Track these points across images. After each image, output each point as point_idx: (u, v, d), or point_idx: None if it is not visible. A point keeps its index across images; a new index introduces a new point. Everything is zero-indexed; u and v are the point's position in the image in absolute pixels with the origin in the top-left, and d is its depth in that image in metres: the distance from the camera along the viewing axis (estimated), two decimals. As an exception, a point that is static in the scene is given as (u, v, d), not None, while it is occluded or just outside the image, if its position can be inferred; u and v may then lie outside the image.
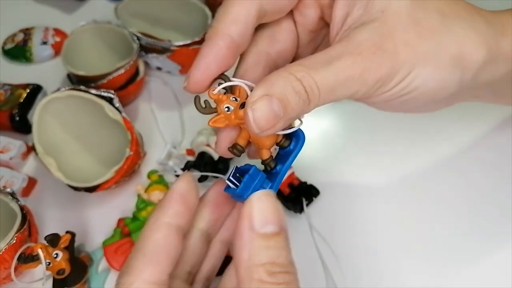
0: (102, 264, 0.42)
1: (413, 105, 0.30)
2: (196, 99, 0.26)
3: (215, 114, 0.26)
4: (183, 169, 0.46)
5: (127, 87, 0.50)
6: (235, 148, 0.27)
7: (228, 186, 0.27)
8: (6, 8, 0.66)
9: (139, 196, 0.45)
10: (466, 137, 0.48)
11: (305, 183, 0.45)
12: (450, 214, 0.44)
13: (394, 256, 0.42)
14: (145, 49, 0.54)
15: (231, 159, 0.48)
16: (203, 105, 0.26)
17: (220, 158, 0.46)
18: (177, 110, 0.53)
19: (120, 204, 0.46)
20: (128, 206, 0.46)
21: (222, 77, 0.26)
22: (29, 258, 0.35)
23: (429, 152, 0.48)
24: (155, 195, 0.44)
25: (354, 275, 0.40)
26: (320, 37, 0.32)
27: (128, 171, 0.43)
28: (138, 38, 0.53)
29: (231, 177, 0.26)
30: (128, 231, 0.43)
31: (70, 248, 0.37)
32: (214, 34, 0.27)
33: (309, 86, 0.24)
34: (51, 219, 0.45)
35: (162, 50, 0.53)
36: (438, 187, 0.46)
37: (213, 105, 0.26)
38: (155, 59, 0.54)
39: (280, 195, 0.44)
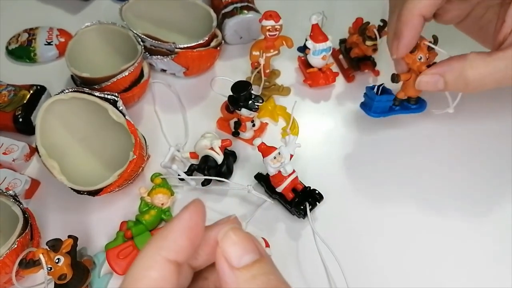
0: (105, 268, 0.42)
1: None
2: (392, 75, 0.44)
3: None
4: (187, 173, 0.45)
5: (131, 89, 0.50)
6: (396, 77, 0.43)
7: (368, 92, 0.46)
8: (10, 7, 0.66)
9: (142, 199, 0.45)
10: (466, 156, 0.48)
11: (309, 187, 0.44)
12: (453, 220, 0.43)
13: (397, 261, 0.41)
14: (150, 51, 0.54)
15: (234, 163, 0.48)
16: (396, 77, 0.44)
17: (224, 161, 0.45)
18: (181, 112, 0.53)
19: (123, 207, 0.46)
20: (131, 209, 0.45)
21: (435, 38, 0.42)
22: (30, 263, 0.35)
23: (432, 160, 0.48)
24: (158, 198, 0.44)
25: (356, 280, 0.40)
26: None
27: (132, 175, 0.43)
28: (143, 40, 0.52)
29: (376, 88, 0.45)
30: (131, 235, 0.42)
31: (72, 253, 0.37)
32: (410, 16, 0.40)
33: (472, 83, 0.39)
34: (54, 222, 0.45)
35: (166, 52, 0.53)
36: (440, 198, 0.45)
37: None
38: (159, 61, 0.54)
39: (283, 200, 0.44)
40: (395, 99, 0.46)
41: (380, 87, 0.44)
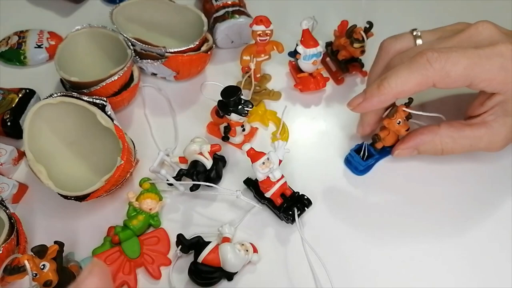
0: (92, 273, 0.42)
1: None
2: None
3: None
4: (176, 178, 0.45)
5: (121, 94, 0.50)
6: (377, 137, 0.46)
7: (352, 156, 0.47)
8: (0, 10, 0.66)
9: (130, 204, 0.44)
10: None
11: (298, 193, 0.44)
12: (445, 224, 0.44)
13: (385, 266, 0.41)
14: (140, 55, 0.54)
15: (223, 168, 0.48)
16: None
17: (213, 166, 0.45)
18: (171, 116, 0.53)
19: (111, 211, 0.46)
20: (119, 214, 0.45)
21: (410, 100, 0.45)
22: (15, 270, 0.34)
23: (424, 164, 0.48)
24: (146, 203, 0.44)
25: (343, 285, 0.40)
26: None
27: (119, 180, 0.42)
28: (133, 44, 0.52)
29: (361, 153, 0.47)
30: (118, 240, 0.42)
31: (58, 259, 0.36)
32: (388, 92, 0.41)
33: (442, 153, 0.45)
34: (41, 227, 0.45)
35: (157, 56, 0.52)
36: (428, 202, 0.46)
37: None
38: (150, 65, 0.54)
39: (272, 205, 0.44)
40: (375, 149, 0.47)
41: (365, 149, 0.47)
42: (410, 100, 0.44)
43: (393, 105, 0.45)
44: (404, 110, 0.44)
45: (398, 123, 0.44)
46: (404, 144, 0.45)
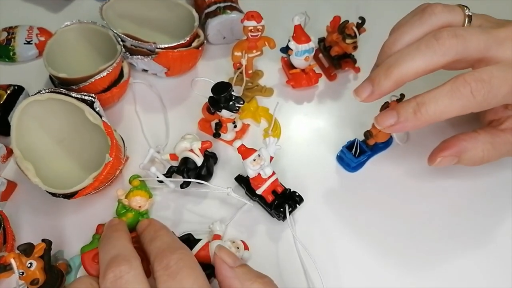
0: (81, 271, 0.41)
1: None
2: (384, 105, 0.44)
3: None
4: (166, 175, 0.45)
5: (110, 90, 0.49)
6: (369, 133, 0.45)
7: (344, 153, 0.46)
8: (-11, 6, 0.65)
9: (119, 201, 0.44)
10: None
11: (289, 190, 0.44)
12: (435, 221, 0.43)
13: (377, 264, 0.41)
14: (130, 51, 0.53)
15: (214, 165, 0.47)
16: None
17: (204, 163, 0.45)
18: (162, 113, 0.52)
19: (100, 209, 0.45)
20: (108, 211, 0.45)
21: (401, 96, 0.43)
22: (1, 268, 0.34)
23: (418, 167, 0.48)
24: (136, 201, 0.43)
25: (334, 282, 0.40)
26: None
27: (108, 177, 0.42)
28: (123, 40, 0.52)
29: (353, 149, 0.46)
30: (108, 238, 0.42)
31: (45, 257, 0.36)
32: (425, 120, 0.38)
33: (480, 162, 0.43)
34: (29, 225, 0.44)
35: (147, 52, 0.52)
36: (424, 197, 0.45)
37: None
38: (140, 61, 0.53)
39: (263, 202, 0.44)
40: (367, 145, 0.47)
41: (357, 145, 0.46)
42: (402, 96, 0.43)
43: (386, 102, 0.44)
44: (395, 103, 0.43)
45: None
46: (446, 151, 0.42)
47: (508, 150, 0.42)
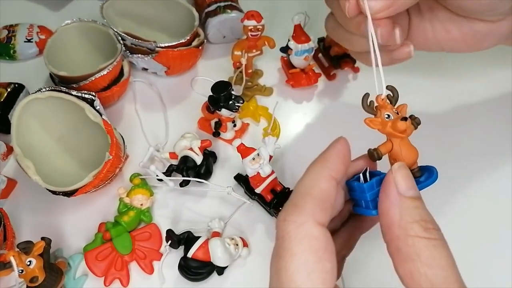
0: (80, 269, 0.42)
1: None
2: (365, 96, 0.29)
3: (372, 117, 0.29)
4: (165, 173, 0.45)
5: (110, 88, 0.49)
6: (375, 152, 0.29)
7: (355, 179, 0.30)
8: (-10, 4, 0.65)
9: (120, 200, 0.44)
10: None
11: (288, 189, 0.44)
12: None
13: (376, 262, 0.41)
14: (131, 50, 0.53)
15: (214, 164, 0.47)
16: (368, 104, 0.29)
17: (203, 162, 0.45)
18: (162, 112, 0.53)
19: (102, 207, 0.45)
20: (110, 209, 0.45)
21: (391, 89, 0.29)
22: (0, 266, 0.34)
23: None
24: (137, 199, 0.44)
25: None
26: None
27: (108, 176, 0.42)
28: (123, 38, 0.52)
29: (365, 174, 0.30)
30: (110, 236, 0.42)
31: (44, 255, 0.36)
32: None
33: None
34: (29, 223, 0.44)
35: (147, 51, 0.52)
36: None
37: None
38: (140, 60, 0.53)
39: (262, 201, 0.44)
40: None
41: (367, 173, 0.30)
42: (390, 88, 0.30)
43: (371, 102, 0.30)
44: (383, 99, 0.29)
45: (388, 117, 0.29)
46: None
47: None
